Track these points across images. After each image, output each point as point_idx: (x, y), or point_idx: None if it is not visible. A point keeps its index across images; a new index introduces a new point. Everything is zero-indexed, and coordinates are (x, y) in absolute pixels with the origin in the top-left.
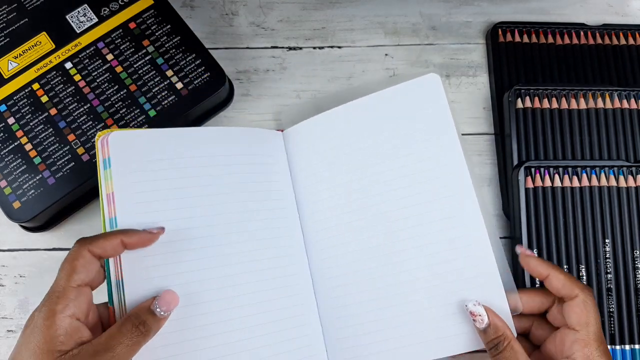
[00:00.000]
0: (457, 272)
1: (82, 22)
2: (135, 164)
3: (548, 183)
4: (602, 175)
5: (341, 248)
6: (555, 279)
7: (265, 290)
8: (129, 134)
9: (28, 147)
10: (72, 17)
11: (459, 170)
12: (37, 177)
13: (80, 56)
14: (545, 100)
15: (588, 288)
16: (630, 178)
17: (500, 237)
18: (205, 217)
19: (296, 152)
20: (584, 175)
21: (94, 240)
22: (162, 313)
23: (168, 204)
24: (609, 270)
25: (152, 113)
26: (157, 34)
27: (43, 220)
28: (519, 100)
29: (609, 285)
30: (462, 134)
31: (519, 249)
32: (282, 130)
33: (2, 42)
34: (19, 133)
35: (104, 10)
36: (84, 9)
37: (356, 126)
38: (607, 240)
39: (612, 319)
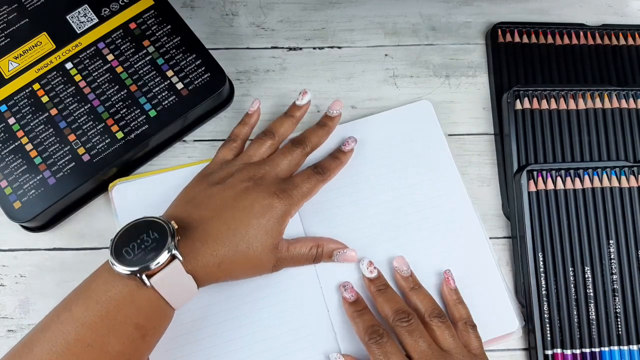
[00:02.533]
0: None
1: (82, 22)
2: (138, 211)
3: (550, 186)
4: (604, 176)
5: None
6: None
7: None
8: (129, 184)
9: (29, 147)
10: (72, 17)
11: (458, 190)
12: (38, 177)
13: (80, 56)
14: (544, 101)
15: (372, 336)
16: (632, 178)
17: (500, 237)
18: None
19: None
20: (586, 177)
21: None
22: (335, 260)
23: None
24: (614, 271)
25: (152, 113)
26: (157, 34)
27: (43, 220)
28: (518, 101)
29: (614, 286)
30: (462, 134)
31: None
32: None
33: (3, 43)
34: (20, 133)
35: (105, 10)
36: (85, 10)
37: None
38: (611, 241)
39: (618, 319)
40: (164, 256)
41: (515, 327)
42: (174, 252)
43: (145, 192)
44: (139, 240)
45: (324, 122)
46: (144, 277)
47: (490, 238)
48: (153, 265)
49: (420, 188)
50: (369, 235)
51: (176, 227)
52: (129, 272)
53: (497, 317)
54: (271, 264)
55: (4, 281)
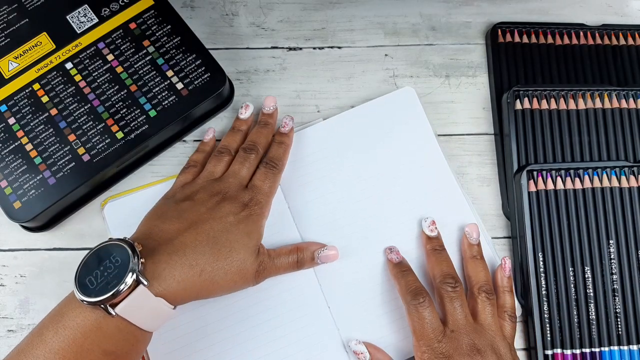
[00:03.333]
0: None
1: (82, 22)
2: (130, 228)
3: (550, 186)
4: (604, 176)
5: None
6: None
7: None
8: (119, 201)
9: (29, 147)
10: (72, 17)
11: (443, 170)
12: (38, 177)
13: (80, 56)
14: (544, 101)
15: (415, 298)
16: (632, 178)
17: (501, 237)
18: None
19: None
20: (586, 177)
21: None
22: (318, 262)
23: None
24: (614, 271)
25: (152, 113)
26: (157, 34)
27: (43, 220)
28: (518, 101)
29: (614, 286)
30: (462, 134)
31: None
32: None
33: (3, 43)
34: (20, 133)
35: (105, 10)
36: (85, 10)
37: (341, 138)
38: (611, 241)
39: (618, 319)
40: (126, 283)
41: (518, 314)
42: (138, 277)
43: (137, 207)
44: (102, 268)
45: (265, 120)
46: (108, 307)
47: (492, 238)
48: (117, 294)
49: (409, 176)
50: (360, 229)
51: (140, 248)
52: (91, 303)
53: None
54: (254, 269)
55: (4, 281)
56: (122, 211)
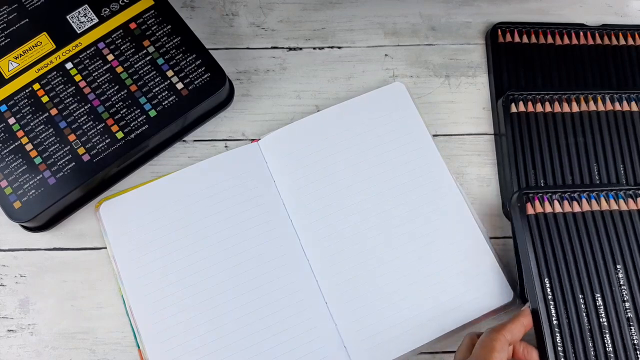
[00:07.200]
0: (449, 251)
1: (82, 22)
2: (127, 227)
3: (549, 209)
4: (602, 199)
5: (337, 244)
6: None
7: (272, 302)
8: (115, 201)
9: (29, 147)
10: (72, 17)
11: (436, 163)
12: (38, 177)
13: (80, 56)
14: (539, 105)
15: None
16: (630, 201)
17: (500, 237)
18: (203, 251)
19: (276, 159)
20: (584, 200)
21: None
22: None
23: (165, 251)
24: (625, 298)
25: (152, 113)
26: (157, 34)
27: (44, 220)
28: (513, 105)
29: (628, 315)
30: (462, 134)
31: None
32: (257, 140)
33: (3, 43)
34: (20, 133)
35: (105, 10)
36: (85, 10)
37: (333, 131)
38: (618, 266)
39: (637, 352)
40: None
41: (511, 297)
42: None
43: (132, 207)
44: None
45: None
46: None
47: (491, 238)
48: None
49: (402, 168)
50: (355, 225)
51: None
52: None
53: (492, 290)
54: None
55: (4, 281)
56: (117, 211)
